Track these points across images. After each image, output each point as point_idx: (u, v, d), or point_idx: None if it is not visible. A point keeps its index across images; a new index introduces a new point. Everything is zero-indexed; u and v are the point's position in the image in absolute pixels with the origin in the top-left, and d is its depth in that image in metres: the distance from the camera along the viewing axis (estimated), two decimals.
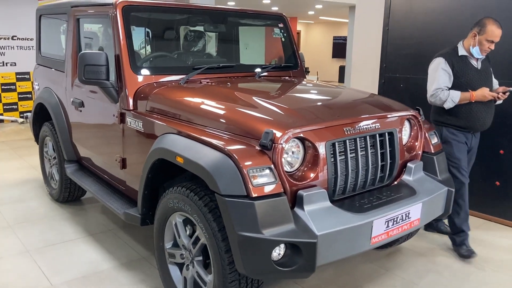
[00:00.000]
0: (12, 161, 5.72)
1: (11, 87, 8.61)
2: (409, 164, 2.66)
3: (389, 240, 2.33)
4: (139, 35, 3.19)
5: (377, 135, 2.48)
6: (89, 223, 3.74)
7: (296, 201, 2.12)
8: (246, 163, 1.97)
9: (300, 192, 2.11)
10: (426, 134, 2.84)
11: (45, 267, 2.99)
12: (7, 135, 7.46)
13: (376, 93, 4.73)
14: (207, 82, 2.95)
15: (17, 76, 8.56)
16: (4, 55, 8.48)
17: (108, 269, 2.98)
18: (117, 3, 2.90)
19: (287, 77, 3.56)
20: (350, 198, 2.40)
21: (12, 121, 8.44)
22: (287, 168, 2.16)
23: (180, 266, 2.47)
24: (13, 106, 8.57)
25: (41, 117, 4.30)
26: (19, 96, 8.62)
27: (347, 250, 2.12)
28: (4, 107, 8.60)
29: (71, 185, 3.98)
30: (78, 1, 3.48)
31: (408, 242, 3.43)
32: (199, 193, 2.17)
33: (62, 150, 3.81)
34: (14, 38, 8.44)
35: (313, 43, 20.73)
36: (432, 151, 2.81)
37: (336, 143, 2.27)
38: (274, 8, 13.11)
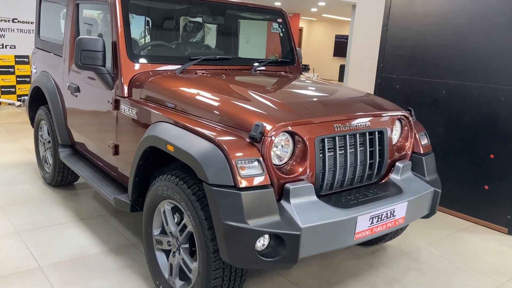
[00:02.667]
0: (6, 143, 5.73)
1: (10, 69, 8.60)
2: (397, 164, 2.69)
3: (373, 237, 2.36)
4: (137, 23, 3.20)
5: (367, 133, 2.51)
6: (80, 208, 3.77)
7: (283, 193, 2.15)
8: (235, 154, 2.00)
9: (287, 185, 2.14)
10: (417, 135, 2.88)
11: (33, 248, 3.02)
12: (4, 117, 7.46)
13: (372, 93, 4.77)
14: (203, 73, 2.97)
15: (16, 59, 8.55)
16: (4, 37, 8.47)
17: (96, 254, 3.01)
18: None
19: (284, 72, 3.58)
20: (337, 194, 2.43)
21: (9, 104, 8.44)
22: (275, 161, 2.20)
23: (167, 253, 2.50)
24: (11, 89, 8.56)
25: (37, 100, 4.32)
26: (18, 79, 8.62)
27: (331, 244, 2.16)
28: (2, 89, 8.60)
29: (64, 170, 4.00)
30: None
31: (394, 241, 3.48)
32: (188, 182, 2.20)
33: (57, 134, 3.83)
34: (15, 20, 8.42)
35: (315, 40, 20.71)
36: (422, 152, 2.85)
37: (326, 139, 2.30)
38: (277, 3, 13.08)
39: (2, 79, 8.57)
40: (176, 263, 2.40)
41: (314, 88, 3.05)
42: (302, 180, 2.22)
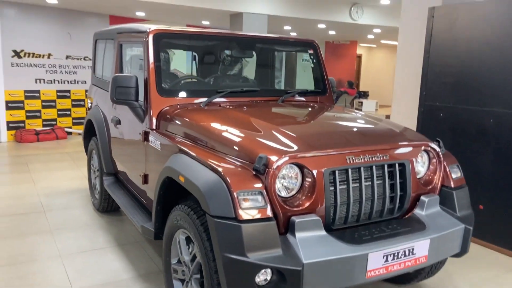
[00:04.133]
0: (69, 170, 6.21)
1: (81, 103, 9.40)
2: (422, 198, 2.56)
3: (389, 276, 2.25)
4: (172, 60, 3.40)
5: (386, 165, 2.43)
6: (121, 234, 3.97)
7: (289, 227, 2.13)
8: (237, 186, 2.03)
9: (292, 218, 2.12)
10: (447, 168, 2.72)
11: (71, 272, 3.22)
12: (72, 146, 8.12)
13: (416, 121, 4.59)
14: (226, 106, 3.06)
15: (86, 93, 9.32)
16: (76, 73, 9.31)
17: (126, 279, 3.14)
18: (149, 30, 3.13)
19: (313, 103, 3.58)
20: (353, 228, 2.35)
21: (79, 134, 9.17)
22: (283, 193, 2.19)
23: (182, 282, 2.55)
24: (81, 120, 9.30)
25: (90, 132, 4.67)
26: (87, 111, 9.38)
27: (338, 281, 2.08)
28: (73, 121, 9.39)
29: (109, 197, 4.25)
30: (123, 28, 3.79)
31: (432, 279, 3.25)
32: (198, 212, 2.26)
33: (103, 163, 4.11)
34: (86, 58, 9.25)
35: (375, 67, 20.34)
36: (452, 186, 2.68)
37: (337, 171, 2.26)
38: (332, 32, 13.13)
39: (74, 112, 9.38)
40: None
41: (334, 119, 3.02)
42: (311, 213, 2.19)
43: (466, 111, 4.08)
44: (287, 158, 2.13)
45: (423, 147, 2.63)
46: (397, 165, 2.47)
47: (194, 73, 4.07)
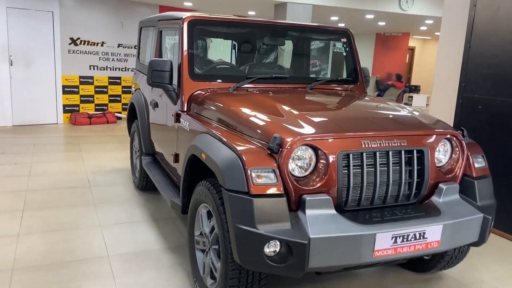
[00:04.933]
0: (115, 152, 6.62)
1: (130, 89, 9.88)
2: (440, 185, 2.57)
3: (399, 257, 2.30)
4: (209, 47, 3.56)
5: (403, 151, 2.46)
6: (156, 210, 4.23)
7: (300, 204, 2.24)
8: (251, 163, 2.17)
9: (304, 196, 2.23)
10: (470, 157, 2.70)
11: (108, 240, 3.51)
12: (121, 130, 8.58)
13: (453, 114, 4.49)
14: (253, 91, 3.19)
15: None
16: (127, 61, 9.79)
17: (157, 250, 3.38)
18: (184, 17, 3.31)
19: (343, 91, 3.63)
20: (366, 211, 2.42)
21: None
22: (297, 173, 2.30)
23: (203, 252, 2.74)
24: None
25: (133, 115, 4.97)
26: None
27: (345, 258, 2.16)
28: (123, 106, 9.90)
29: (147, 176, 4.53)
30: (163, 15, 4.01)
31: (455, 270, 3.24)
32: (217, 188, 2.42)
33: (142, 144, 4.38)
34: (136, 47, 9.68)
35: (429, 60, 19.62)
36: (474, 175, 2.66)
37: (351, 155, 2.33)
38: (381, 23, 12.84)
39: (124, 98, 9.88)
40: (208, 262, 2.62)
41: (357, 106, 3.05)
42: (323, 193, 2.28)
43: (505, 104, 3.96)
44: (300, 139, 2.23)
45: (445, 136, 2.63)
46: (415, 151, 2.50)
47: (230, 60, 4.23)
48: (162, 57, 4.01)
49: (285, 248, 2.12)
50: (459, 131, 2.72)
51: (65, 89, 9.11)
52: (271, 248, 2.12)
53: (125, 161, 6.02)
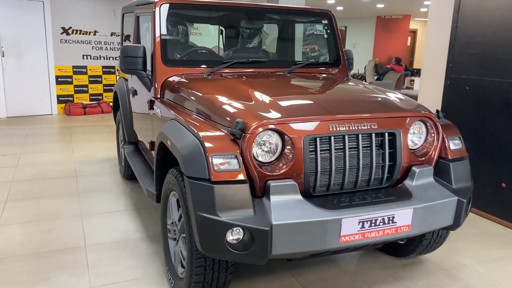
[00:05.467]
0: (106, 141, 6.59)
1: None
2: (413, 168, 2.50)
3: (367, 242, 2.25)
4: (179, 30, 3.48)
5: (373, 134, 2.40)
6: (139, 199, 4.21)
7: (265, 190, 2.19)
8: (212, 149, 2.11)
9: (268, 182, 2.17)
10: (446, 139, 2.63)
11: (88, 230, 3.49)
12: None
13: (441, 96, 4.40)
14: (227, 76, 3.12)
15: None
16: None
17: (135, 239, 3.35)
18: (156, 1, 3.23)
19: (322, 74, 3.54)
20: (335, 195, 2.36)
21: None
22: (262, 158, 2.24)
23: (175, 241, 2.70)
24: None
25: (118, 104, 4.92)
26: None
27: (310, 244, 2.12)
28: None
29: None
30: (141, 0, 3.92)
31: (436, 255, 3.19)
32: (182, 175, 2.37)
33: (125, 133, 4.34)
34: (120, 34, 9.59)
35: None
36: (449, 157, 2.59)
37: (318, 139, 2.27)
38: (380, 6, 12.62)
39: None
40: (178, 251, 2.59)
41: (330, 89, 2.97)
42: (288, 178, 2.23)
43: (492, 84, 3.86)
44: (263, 124, 2.17)
45: (419, 118, 2.55)
46: (386, 134, 2.43)
47: (210, 45, 4.14)
48: (140, 43, 3.93)
49: (248, 236, 2.07)
50: (434, 113, 2.64)
51: (59, 79, 9.06)
52: (235, 236, 2.08)
53: (114, 151, 5.99)
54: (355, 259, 3.13)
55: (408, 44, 18.09)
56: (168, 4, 3.26)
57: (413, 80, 16.33)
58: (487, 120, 3.91)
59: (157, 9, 3.21)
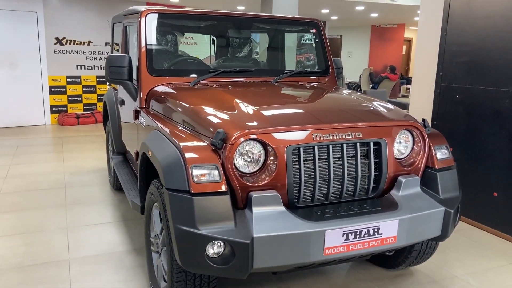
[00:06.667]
0: (98, 151, 6.54)
1: None
2: (399, 178, 2.46)
3: (352, 255, 2.19)
4: (166, 40, 3.45)
5: (358, 144, 2.36)
6: (128, 210, 4.15)
7: (247, 202, 2.14)
8: (192, 160, 2.07)
9: (250, 193, 2.13)
10: (432, 148, 2.59)
11: (72, 243, 3.42)
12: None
13: (432, 104, 4.38)
14: (213, 85, 3.08)
15: None
16: None
17: (120, 252, 3.29)
18: (142, 11, 3.21)
19: (310, 83, 3.51)
20: (320, 206, 2.32)
21: None
22: (244, 169, 2.20)
23: (157, 254, 2.64)
24: None
25: (107, 113, 4.88)
26: None
27: (293, 257, 2.06)
28: None
29: None
30: (128, 10, 3.90)
31: (427, 266, 3.13)
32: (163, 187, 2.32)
33: (113, 143, 4.29)
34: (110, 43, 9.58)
35: None
36: (436, 167, 2.55)
37: (301, 149, 2.23)
38: (373, 15, 12.69)
39: None
40: (160, 265, 2.53)
41: (316, 98, 2.94)
42: (272, 189, 2.18)
43: (481, 92, 3.84)
44: (244, 134, 2.13)
45: (404, 127, 2.52)
46: (372, 144, 2.39)
47: (198, 55, 4.11)
48: (128, 53, 3.91)
49: (229, 249, 2.02)
50: (420, 122, 2.61)
51: (52, 89, 9.03)
52: (215, 249, 2.02)
53: (105, 161, 5.94)
54: (344, 271, 3.07)
55: (404, 52, 18.18)
56: (153, 14, 3.23)
57: (409, 88, 16.39)
58: (478, 128, 3.88)
59: (142, 19, 3.19)
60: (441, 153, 2.62)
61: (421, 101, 4.63)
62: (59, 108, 9.17)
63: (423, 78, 4.63)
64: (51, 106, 9.06)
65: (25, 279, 2.85)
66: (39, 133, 8.00)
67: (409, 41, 19.46)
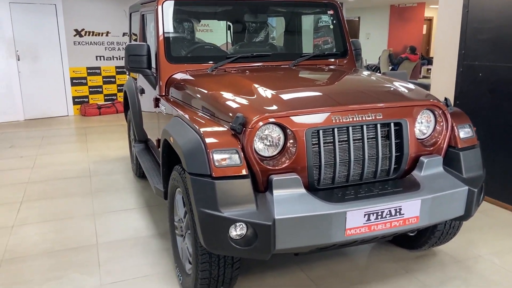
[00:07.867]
0: (120, 141, 6.65)
1: None
2: (421, 158, 2.44)
3: (374, 235, 2.20)
4: (183, 27, 3.47)
5: (379, 125, 2.34)
6: (151, 196, 4.23)
7: (268, 185, 2.17)
8: (213, 145, 2.10)
9: (271, 176, 2.15)
10: (455, 127, 2.56)
11: (99, 229, 3.53)
12: None
13: (454, 83, 4.29)
14: (231, 71, 3.10)
15: None
16: None
17: (146, 236, 3.38)
18: None
19: (328, 66, 3.49)
20: (341, 188, 2.33)
21: None
22: (264, 152, 2.22)
23: (182, 237, 2.71)
24: None
25: (128, 103, 4.95)
26: None
27: (315, 238, 2.09)
28: None
29: None
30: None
31: (450, 246, 3.12)
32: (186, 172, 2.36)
33: (135, 131, 4.37)
34: (128, 33, 9.65)
35: None
36: (459, 146, 2.52)
37: (321, 131, 2.23)
38: None
39: None
40: (185, 247, 2.59)
41: (335, 80, 2.92)
42: (292, 172, 2.20)
43: (505, 70, 3.74)
44: (263, 118, 2.14)
45: (426, 107, 2.49)
46: (392, 124, 2.38)
47: (216, 41, 4.12)
48: (146, 41, 3.94)
49: (251, 231, 2.05)
50: (443, 101, 2.57)
51: (74, 81, 9.18)
52: (238, 231, 2.06)
53: (127, 150, 6.05)
54: (366, 252, 3.09)
55: (424, 32, 17.73)
56: (170, 2, 3.25)
57: (430, 69, 16.04)
58: (501, 107, 3.80)
59: (159, 7, 3.21)
60: (464, 132, 2.58)
61: (443, 80, 4.54)
62: (81, 99, 9.34)
63: (444, 57, 4.53)
64: (73, 97, 9.23)
65: (56, 263, 2.97)
66: (62, 124, 8.18)
67: (429, 20, 18.97)
